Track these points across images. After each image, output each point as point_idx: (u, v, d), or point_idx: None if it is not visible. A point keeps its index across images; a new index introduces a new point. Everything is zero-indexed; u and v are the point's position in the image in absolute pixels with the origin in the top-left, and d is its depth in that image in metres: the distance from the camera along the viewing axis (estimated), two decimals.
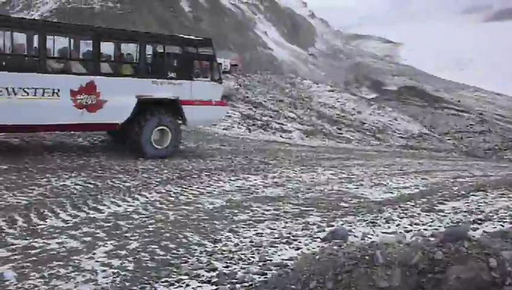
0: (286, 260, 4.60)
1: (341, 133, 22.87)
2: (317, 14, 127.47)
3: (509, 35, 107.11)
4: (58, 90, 8.76)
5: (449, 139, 29.42)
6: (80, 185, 7.30)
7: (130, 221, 5.81)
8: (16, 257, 4.36)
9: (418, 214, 7.07)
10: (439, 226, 6.17)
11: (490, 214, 6.81)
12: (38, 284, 3.81)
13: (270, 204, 7.32)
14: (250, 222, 6.21)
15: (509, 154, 26.76)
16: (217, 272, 4.21)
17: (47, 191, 6.76)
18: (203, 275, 4.17)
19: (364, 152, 18.27)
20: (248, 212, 6.71)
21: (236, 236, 5.52)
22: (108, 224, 5.61)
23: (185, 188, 7.94)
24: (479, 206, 7.60)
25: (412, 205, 7.77)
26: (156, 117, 10.05)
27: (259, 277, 3.99)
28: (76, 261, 4.38)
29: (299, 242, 5.32)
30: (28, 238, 4.87)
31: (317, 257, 3.18)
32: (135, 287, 3.87)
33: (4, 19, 9.05)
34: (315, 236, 5.59)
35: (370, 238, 5.37)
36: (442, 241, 2.99)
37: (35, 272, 4.04)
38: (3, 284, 3.79)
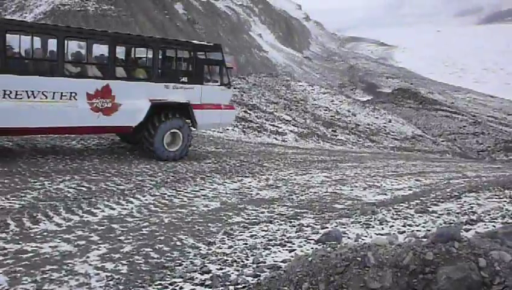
0: (280, 262, 4.61)
1: (336, 135, 22.93)
2: (312, 16, 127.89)
3: (500, 38, 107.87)
4: (76, 93, 8.99)
5: (443, 141, 29.56)
6: (74, 189, 7.28)
7: (124, 224, 5.80)
8: (8, 261, 4.34)
9: (412, 215, 7.10)
10: (432, 227, 6.20)
11: (482, 215, 6.85)
12: (31, 289, 3.80)
13: (264, 206, 7.34)
14: (245, 224, 6.23)
15: (501, 155, 26.93)
16: (211, 275, 4.22)
17: (40, 194, 6.74)
18: (196, 278, 4.18)
19: (358, 154, 18.33)
20: (242, 215, 6.73)
21: (231, 238, 5.54)
22: (102, 227, 5.60)
23: (180, 191, 7.94)
24: (471, 207, 7.64)
25: (406, 207, 7.81)
26: (169, 121, 10.31)
27: (252, 279, 4.00)
28: (70, 264, 4.37)
29: (293, 244, 5.33)
30: (20, 242, 4.85)
31: (309, 258, 3.20)
32: None
33: (25, 24, 9.21)
34: (309, 238, 5.61)
35: (364, 239, 5.40)
36: (433, 242, 3.01)
37: (27, 276, 4.03)
38: None
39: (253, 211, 6.98)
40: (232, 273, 4.28)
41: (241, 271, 4.32)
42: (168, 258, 4.73)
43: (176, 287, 3.97)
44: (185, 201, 7.28)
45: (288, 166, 12.13)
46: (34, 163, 8.75)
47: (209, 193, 8.03)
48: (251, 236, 5.66)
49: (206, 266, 4.48)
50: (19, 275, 4.04)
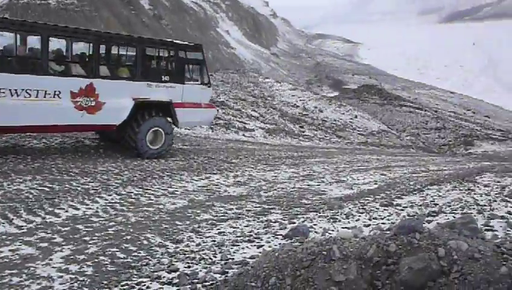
0: (248, 258, 4.63)
1: (303, 131, 23.15)
2: (279, 13, 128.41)
3: (460, 36, 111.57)
4: (60, 92, 9.00)
5: (407, 136, 30.34)
6: (36, 189, 7.06)
7: (89, 224, 5.68)
8: None
9: (377, 208, 7.27)
10: (397, 220, 6.36)
11: (443, 207, 7.08)
12: None
13: (232, 203, 7.34)
14: (213, 221, 6.22)
15: (461, 149, 27.89)
16: (178, 273, 4.19)
17: None
18: (164, 277, 4.14)
19: (325, 150, 18.59)
20: (211, 212, 6.71)
21: (199, 236, 5.51)
22: (66, 228, 5.46)
23: (147, 189, 7.83)
24: (433, 199, 7.89)
25: (371, 200, 7.98)
26: (151, 119, 10.48)
27: (220, 276, 4.00)
28: (32, 268, 4.24)
29: (261, 240, 5.37)
30: None
31: (276, 254, 3.22)
32: None
33: (8, 21, 9.09)
34: (277, 233, 5.65)
35: (330, 233, 5.49)
36: (395, 234, 3.10)
37: None
38: None
39: (221, 208, 6.97)
40: (200, 270, 4.27)
41: (209, 268, 4.32)
42: (134, 258, 4.67)
43: (143, 287, 3.93)
44: (152, 199, 7.19)
45: (256, 162, 12.17)
46: None
47: (176, 190, 7.96)
48: (219, 233, 5.66)
49: (173, 264, 4.45)
50: None
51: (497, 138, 32.08)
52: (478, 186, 9.23)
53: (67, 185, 7.47)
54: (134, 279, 4.10)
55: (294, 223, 6.17)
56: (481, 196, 8.03)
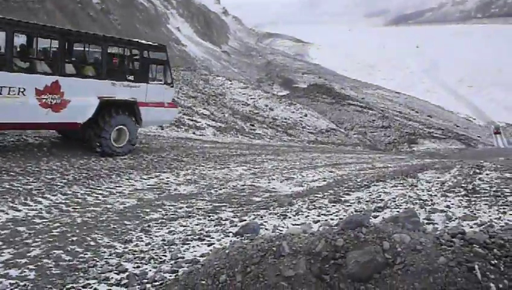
0: (198, 256, 4.60)
1: (254, 130, 23.30)
2: (230, 11, 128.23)
3: (405, 39, 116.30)
4: (24, 89, 8.89)
5: (354, 134, 31.29)
6: None
7: (32, 226, 5.43)
8: None
9: (326, 205, 7.44)
10: (345, 216, 6.55)
11: (389, 202, 7.37)
12: None
13: (182, 202, 7.27)
14: (163, 220, 6.13)
15: (405, 146, 29.11)
16: (127, 274, 4.10)
17: None
18: (112, 278, 4.03)
19: (276, 148, 18.80)
20: (160, 211, 6.61)
21: (148, 235, 5.42)
22: (6, 231, 5.19)
23: (93, 188, 7.60)
24: (379, 195, 8.18)
25: (320, 197, 8.16)
26: (116, 117, 10.59)
27: (170, 275, 3.95)
28: None
29: (212, 238, 5.35)
30: None
31: (227, 251, 3.23)
32: None
33: None
34: (228, 231, 5.66)
35: (281, 230, 5.56)
36: (343, 229, 3.19)
37: None
38: None
39: (171, 207, 6.88)
40: (150, 270, 4.20)
41: (159, 268, 4.25)
42: (81, 260, 4.51)
43: (90, 289, 3.81)
44: (100, 199, 6.98)
45: (206, 160, 12.11)
46: None
47: (125, 189, 7.78)
48: (169, 232, 5.59)
49: (122, 265, 4.34)
50: None
51: (438, 137, 33.78)
52: (420, 182, 9.67)
53: (7, 185, 7.10)
54: (80, 281, 3.97)
55: (245, 220, 6.20)
56: (423, 191, 8.42)
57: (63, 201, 6.66)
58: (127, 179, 8.58)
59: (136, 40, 11.99)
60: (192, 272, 3.13)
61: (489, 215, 5.59)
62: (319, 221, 6.19)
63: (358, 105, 41.50)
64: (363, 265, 2.88)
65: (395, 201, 7.47)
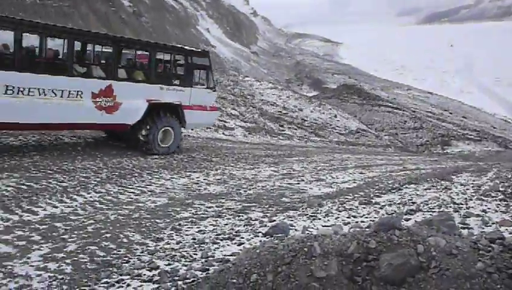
0: (228, 255, 4.64)
1: (283, 130, 23.25)
2: (259, 11, 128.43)
3: (437, 38, 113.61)
4: (82, 92, 9.57)
5: (385, 135, 30.78)
6: (13, 187, 6.90)
7: (68, 222, 5.60)
8: None
9: (356, 207, 7.36)
10: (375, 218, 6.46)
11: (421, 205, 7.22)
12: None
13: (212, 201, 7.33)
14: (193, 219, 6.20)
15: (438, 148, 28.44)
16: (159, 271, 4.17)
17: None
18: (144, 274, 4.11)
19: (305, 148, 18.71)
20: (190, 210, 6.69)
21: (179, 234, 5.49)
22: (44, 226, 5.36)
23: (126, 187, 7.76)
24: (411, 198, 8.03)
25: (350, 199, 8.08)
26: (162, 119, 11.20)
27: (201, 273, 4.00)
28: (9, 267, 4.15)
29: (242, 238, 5.38)
30: None
31: (258, 250, 3.24)
32: None
33: (34, 24, 9.36)
34: (257, 231, 5.67)
35: (310, 231, 5.54)
36: (375, 231, 3.15)
37: None
38: None
39: (201, 206, 6.95)
40: (181, 268, 4.26)
41: (190, 266, 4.31)
42: (114, 256, 4.62)
43: (123, 285, 3.89)
44: (132, 197, 7.12)
45: (236, 161, 12.18)
46: None
47: (156, 188, 7.91)
48: (199, 231, 5.65)
49: (153, 262, 4.42)
50: None
51: (473, 138, 32.84)
52: (455, 185, 9.44)
53: (45, 183, 7.34)
54: (114, 277, 4.06)
55: (274, 221, 6.21)
56: (457, 194, 8.22)
57: (97, 199, 6.82)
58: (158, 178, 8.72)
59: (181, 46, 12.64)
60: (224, 271, 3.15)
61: None
62: (349, 223, 6.13)
63: (389, 106, 40.80)
64: (396, 268, 2.83)
65: (427, 204, 7.31)
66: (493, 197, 7.83)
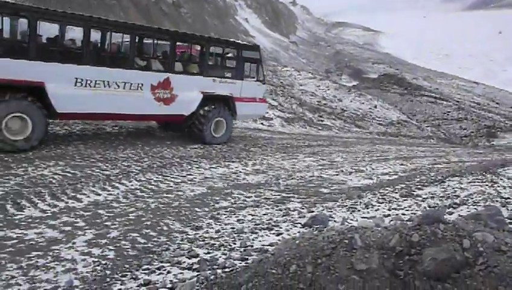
0: (267, 245, 4.64)
1: (322, 121, 22.98)
2: (299, 1, 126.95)
3: (484, 25, 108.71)
4: (142, 84, 10.15)
5: (427, 126, 29.85)
6: (58, 175, 7.19)
7: (110, 210, 5.77)
8: None
9: (397, 199, 7.20)
10: (417, 211, 6.30)
11: (465, 199, 6.97)
12: (16, 275, 3.77)
13: (251, 191, 7.36)
14: (232, 208, 6.24)
15: (483, 140, 27.34)
16: (198, 259, 4.23)
17: (24, 180, 6.64)
18: (184, 262, 4.18)
19: (344, 139, 18.44)
20: (229, 199, 6.74)
21: (218, 223, 5.55)
22: (88, 213, 5.56)
23: (166, 176, 7.91)
24: (454, 191, 7.77)
25: (391, 191, 7.91)
26: (216, 110, 11.62)
27: (240, 262, 4.02)
28: (56, 251, 4.34)
29: (280, 228, 5.37)
30: (4, 229, 4.79)
31: (297, 241, 3.22)
32: (116, 275, 3.86)
33: (103, 21, 10.04)
34: (296, 222, 5.65)
35: (350, 223, 5.46)
36: (418, 224, 3.05)
37: (12, 263, 3.99)
38: None
39: (240, 196, 6.99)
40: (220, 257, 4.31)
41: (229, 255, 4.35)
42: (155, 243, 4.73)
43: (164, 272, 3.97)
44: (172, 186, 7.25)
45: (274, 151, 12.15)
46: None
47: (195, 177, 8.02)
48: (238, 220, 5.69)
49: (193, 250, 4.49)
50: (3, 261, 4.00)
51: None
52: (501, 179, 9.05)
53: (88, 171, 7.59)
54: (155, 263, 4.15)
55: (313, 211, 6.16)
56: (505, 188, 7.88)
57: (138, 187, 7.00)
58: (197, 168, 8.84)
59: (233, 40, 13.10)
60: (263, 261, 3.15)
61: None
62: (389, 215, 6.01)
63: (432, 96, 39.46)
64: (440, 263, 2.73)
65: (472, 198, 7.05)
66: None
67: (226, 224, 5.51)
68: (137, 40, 10.69)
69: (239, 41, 13.04)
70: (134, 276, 3.87)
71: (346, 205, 6.63)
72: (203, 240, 4.84)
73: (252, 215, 5.96)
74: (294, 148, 13.29)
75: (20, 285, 3.60)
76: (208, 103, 11.49)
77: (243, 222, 5.61)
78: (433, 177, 9.38)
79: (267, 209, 6.32)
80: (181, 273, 3.94)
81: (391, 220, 5.08)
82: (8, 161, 7.65)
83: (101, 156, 8.82)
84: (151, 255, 4.35)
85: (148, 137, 11.51)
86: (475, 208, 6.20)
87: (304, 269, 2.88)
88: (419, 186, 8.34)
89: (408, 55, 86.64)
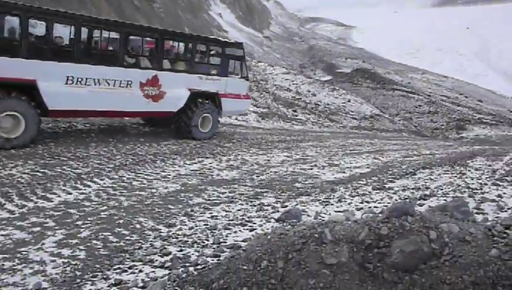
0: (240, 241, 4.65)
1: (296, 115, 23.12)
2: None
3: (454, 20, 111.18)
4: (131, 82, 10.29)
5: (399, 120, 30.40)
6: (27, 174, 7.01)
7: (82, 209, 5.66)
8: None
9: (369, 192, 7.31)
10: (389, 203, 6.41)
11: (435, 190, 7.14)
12: None
13: (225, 187, 7.35)
14: (206, 205, 6.22)
15: (453, 133, 28.04)
16: (171, 257, 4.20)
17: None
18: (156, 260, 4.15)
19: (318, 133, 18.60)
20: (203, 196, 6.71)
21: (191, 220, 5.52)
22: (58, 213, 5.44)
23: (139, 173, 7.81)
24: (425, 183, 7.95)
25: (364, 184, 8.03)
26: (202, 106, 11.92)
27: (212, 259, 4.01)
28: (24, 252, 4.23)
29: (254, 223, 5.39)
30: None
31: (268, 237, 3.23)
32: (86, 276, 3.80)
33: (94, 20, 10.32)
34: (269, 217, 5.68)
35: (323, 217, 5.52)
36: (387, 217, 3.11)
37: None
38: None
39: (214, 192, 6.97)
40: (193, 254, 4.29)
41: (202, 252, 4.33)
42: (127, 242, 4.67)
43: (135, 271, 3.93)
44: (145, 183, 7.17)
45: (249, 146, 12.16)
46: None
47: (169, 174, 7.95)
48: (212, 217, 5.67)
49: (166, 248, 4.46)
50: None
51: (488, 122, 32.25)
52: (469, 170, 9.31)
53: (59, 170, 7.42)
54: (126, 263, 4.10)
55: (286, 206, 6.20)
56: (472, 179, 8.11)
57: (110, 185, 6.89)
58: (171, 165, 8.76)
59: (218, 38, 13.51)
60: (234, 257, 3.16)
61: None
62: (362, 208, 6.10)
63: (404, 90, 40.18)
64: (408, 255, 2.80)
65: (442, 189, 7.23)
66: (509, 182, 7.71)
67: (199, 221, 5.48)
68: (125, 38, 10.75)
69: (223, 39, 13.45)
70: (105, 276, 3.81)
71: (320, 199, 6.69)
72: (176, 238, 4.80)
73: (226, 211, 5.96)
74: (268, 143, 13.33)
75: None
76: (194, 100, 11.73)
77: (216, 218, 5.59)
78: (404, 170, 9.57)
79: (241, 205, 6.33)
80: (153, 271, 3.90)
81: (363, 213, 5.17)
82: None
83: (72, 154, 8.65)
84: (123, 254, 4.30)
85: (121, 134, 11.34)
86: (444, 199, 6.36)
87: (275, 265, 2.89)
88: (391, 179, 8.50)
89: (381, 50, 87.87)
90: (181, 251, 4.39)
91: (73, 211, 5.53)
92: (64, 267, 3.95)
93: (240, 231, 5.09)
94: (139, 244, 4.61)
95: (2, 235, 4.59)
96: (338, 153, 12.40)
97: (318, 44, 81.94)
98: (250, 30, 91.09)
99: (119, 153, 9.21)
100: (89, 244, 4.53)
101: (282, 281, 2.81)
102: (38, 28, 9.79)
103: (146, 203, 6.12)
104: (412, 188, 7.50)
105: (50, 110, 9.09)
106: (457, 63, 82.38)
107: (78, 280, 3.71)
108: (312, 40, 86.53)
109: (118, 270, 3.92)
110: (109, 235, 4.82)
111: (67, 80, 9.20)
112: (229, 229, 5.14)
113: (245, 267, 2.94)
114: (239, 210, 6.03)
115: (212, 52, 12.78)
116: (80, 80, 9.36)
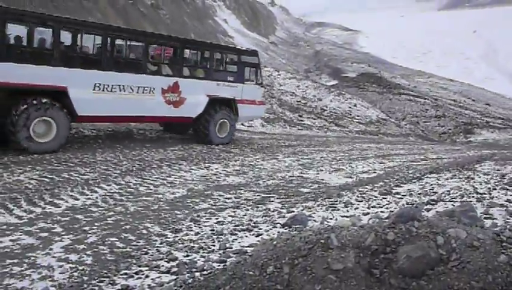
0: (246, 246, 4.64)
1: (302, 120, 23.11)
2: (277, 1, 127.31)
3: (460, 23, 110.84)
4: (154, 88, 10.80)
5: (406, 124, 30.29)
6: (35, 180, 7.06)
7: (89, 214, 5.69)
8: None
9: (376, 197, 7.27)
10: (395, 208, 6.37)
11: (442, 195, 7.09)
12: None
13: (231, 192, 7.35)
14: (212, 210, 6.23)
15: (461, 137, 27.87)
16: (177, 262, 4.20)
17: None
18: (163, 266, 4.15)
19: (324, 138, 18.58)
20: (209, 201, 6.72)
21: (198, 225, 5.52)
22: (66, 218, 5.47)
23: (145, 179, 7.84)
24: (432, 187, 7.89)
25: (370, 189, 7.98)
26: (220, 112, 12.35)
27: (218, 265, 4.01)
28: (32, 258, 4.25)
29: (260, 229, 5.38)
30: None
31: (274, 242, 3.22)
32: (93, 281, 3.81)
33: (121, 30, 11.10)
34: (276, 222, 5.66)
35: (329, 222, 5.49)
36: (394, 223, 3.09)
37: None
38: None
39: (220, 197, 6.98)
40: (199, 259, 4.29)
41: (208, 257, 4.33)
42: (134, 247, 4.68)
43: (142, 276, 3.94)
44: (151, 189, 7.19)
45: (255, 151, 12.17)
46: None
47: (175, 180, 7.97)
48: (218, 222, 5.67)
49: (172, 253, 4.46)
50: None
51: (497, 126, 32.04)
52: (478, 175, 9.23)
53: (66, 176, 7.47)
54: (133, 268, 4.11)
55: (293, 211, 6.18)
56: (481, 184, 8.04)
57: (117, 191, 6.92)
58: (177, 170, 8.78)
59: (234, 46, 13.96)
60: (240, 263, 3.15)
61: None
62: (368, 213, 6.06)
63: (410, 94, 40.05)
64: (415, 260, 2.78)
65: (449, 194, 7.17)
66: None
67: (205, 226, 5.48)
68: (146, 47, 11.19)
69: (239, 47, 14.26)
70: (112, 281, 3.82)
71: (326, 205, 6.67)
72: (182, 243, 4.81)
73: (232, 216, 5.96)
74: (274, 148, 13.33)
75: None
76: (213, 105, 12.11)
77: (222, 224, 5.59)
78: (411, 175, 9.52)
79: (247, 210, 6.32)
80: (159, 277, 3.91)
81: (370, 219, 5.14)
82: None
83: (79, 160, 8.70)
84: (130, 260, 4.31)
85: (127, 140, 11.41)
86: (452, 204, 6.30)
87: (281, 270, 2.89)
88: (398, 184, 8.44)
89: (386, 54, 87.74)
90: (187, 256, 4.39)
91: (80, 217, 5.56)
92: (72, 273, 3.96)
93: (246, 236, 5.09)
94: (146, 249, 4.62)
95: (10, 240, 4.63)
96: (344, 158, 12.37)
97: (324, 49, 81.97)
98: (256, 35, 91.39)
99: (125, 159, 9.26)
100: (95, 249, 4.54)
101: (288, 287, 2.80)
102: (67, 38, 10.22)
103: (152, 208, 6.14)
104: (419, 193, 7.45)
105: (79, 115, 9.51)
106: (464, 66, 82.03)
107: (85, 285, 3.73)
108: (317, 44, 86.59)
109: (124, 276, 3.92)
110: (116, 240, 4.83)
111: (95, 86, 9.65)
112: (235, 234, 5.13)
113: (251, 272, 2.94)
114: (245, 215, 6.02)
115: (228, 60, 13.29)
116: (106, 86, 9.83)
